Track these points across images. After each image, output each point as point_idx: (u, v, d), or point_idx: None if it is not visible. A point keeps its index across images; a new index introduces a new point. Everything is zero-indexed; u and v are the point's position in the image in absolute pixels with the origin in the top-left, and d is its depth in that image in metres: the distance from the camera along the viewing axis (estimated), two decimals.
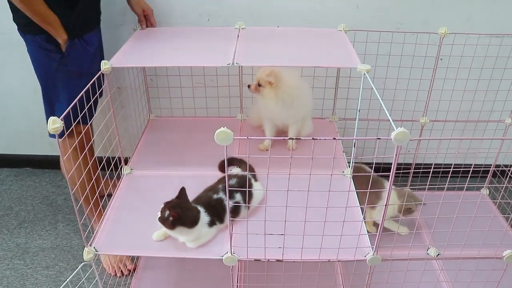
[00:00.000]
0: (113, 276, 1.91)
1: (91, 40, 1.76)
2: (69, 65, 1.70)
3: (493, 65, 1.99)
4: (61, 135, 1.15)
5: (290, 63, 1.57)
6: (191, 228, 1.32)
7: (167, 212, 1.29)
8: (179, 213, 1.29)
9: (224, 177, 1.37)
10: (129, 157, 1.77)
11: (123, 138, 1.71)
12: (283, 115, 1.73)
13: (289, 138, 1.10)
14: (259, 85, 1.68)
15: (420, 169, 1.81)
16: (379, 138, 1.08)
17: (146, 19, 1.92)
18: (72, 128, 1.32)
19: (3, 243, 2.18)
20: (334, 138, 1.10)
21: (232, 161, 1.59)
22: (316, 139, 1.05)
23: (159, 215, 1.32)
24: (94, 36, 1.79)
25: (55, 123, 1.10)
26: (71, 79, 1.72)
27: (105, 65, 1.45)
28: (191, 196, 1.43)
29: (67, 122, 1.16)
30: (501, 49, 1.95)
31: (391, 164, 1.10)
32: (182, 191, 1.37)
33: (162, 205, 1.32)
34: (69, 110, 1.19)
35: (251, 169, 1.54)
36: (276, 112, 1.71)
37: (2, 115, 2.51)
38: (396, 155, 1.07)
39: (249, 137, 1.07)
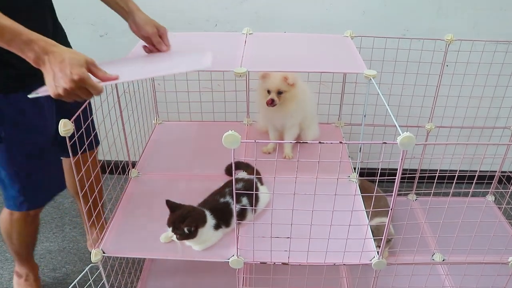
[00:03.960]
0: None
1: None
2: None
3: (499, 71, 2.00)
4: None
5: (297, 68, 1.58)
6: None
7: (185, 228, 1.30)
8: (197, 227, 1.32)
9: (230, 181, 1.39)
10: (136, 161, 1.79)
11: (130, 142, 1.72)
12: (291, 117, 1.75)
13: (296, 142, 1.11)
14: (280, 92, 1.68)
15: (425, 175, 1.82)
16: (385, 143, 1.09)
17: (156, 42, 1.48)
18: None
19: None
20: (341, 142, 1.11)
21: (239, 165, 1.60)
22: (322, 143, 1.06)
23: (176, 236, 1.32)
24: None
25: (66, 126, 1.12)
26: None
27: None
28: (198, 199, 1.45)
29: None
30: (507, 55, 1.95)
31: (396, 169, 1.11)
32: (170, 203, 1.35)
33: (171, 225, 1.33)
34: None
35: (257, 173, 1.55)
36: (291, 113, 1.73)
37: None
38: (401, 159, 1.08)
39: (256, 141, 1.08)
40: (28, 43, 1.04)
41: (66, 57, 1.04)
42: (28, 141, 1.18)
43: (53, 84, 1.05)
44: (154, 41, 1.45)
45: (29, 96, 1.07)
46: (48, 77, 1.06)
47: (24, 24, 1.09)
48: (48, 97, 1.13)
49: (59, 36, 1.52)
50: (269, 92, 1.68)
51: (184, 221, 1.30)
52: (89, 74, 1.08)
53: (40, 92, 1.10)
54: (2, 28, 1.03)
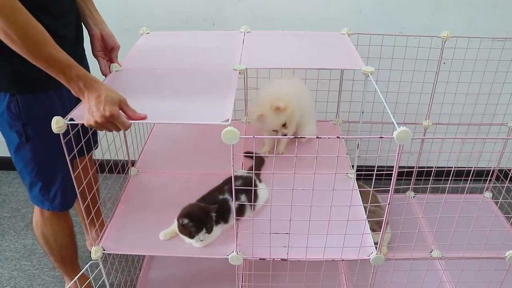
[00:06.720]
0: None
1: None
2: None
3: (496, 68, 2.00)
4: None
5: (294, 65, 1.59)
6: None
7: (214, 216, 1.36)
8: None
9: (229, 178, 1.40)
10: (136, 159, 1.80)
11: (130, 140, 1.73)
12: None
13: (294, 137, 1.12)
14: (283, 124, 1.67)
15: (423, 171, 1.82)
16: (381, 137, 1.10)
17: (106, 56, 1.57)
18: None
19: (11, 245, 2.20)
20: (338, 137, 1.12)
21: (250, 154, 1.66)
22: (320, 138, 1.07)
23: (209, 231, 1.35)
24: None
25: (59, 123, 1.13)
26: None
27: (115, 68, 1.49)
28: (197, 197, 1.46)
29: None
30: (503, 52, 1.96)
31: (393, 166, 1.12)
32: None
33: (185, 220, 1.33)
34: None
35: (257, 168, 1.56)
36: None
37: None
38: (398, 154, 1.09)
39: (255, 136, 1.09)
40: (75, 78, 1.17)
41: (102, 94, 1.16)
42: (55, 141, 1.22)
43: (87, 115, 1.17)
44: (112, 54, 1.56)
45: (66, 122, 1.15)
46: (84, 108, 1.19)
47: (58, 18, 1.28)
48: (75, 99, 1.24)
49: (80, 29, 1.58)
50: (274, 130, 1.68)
51: (209, 213, 1.34)
52: (120, 111, 1.18)
53: (76, 119, 1.19)
54: (56, 61, 1.15)
